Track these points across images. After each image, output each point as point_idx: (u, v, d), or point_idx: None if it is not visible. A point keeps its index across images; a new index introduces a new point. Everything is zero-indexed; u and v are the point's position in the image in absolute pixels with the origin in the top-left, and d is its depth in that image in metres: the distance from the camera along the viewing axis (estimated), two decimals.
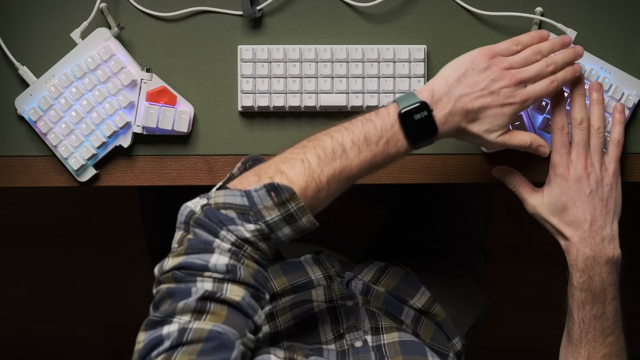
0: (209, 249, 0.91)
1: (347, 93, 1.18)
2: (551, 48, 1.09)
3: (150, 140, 1.20)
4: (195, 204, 0.94)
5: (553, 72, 1.08)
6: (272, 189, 0.93)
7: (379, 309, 1.23)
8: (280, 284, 1.27)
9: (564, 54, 1.09)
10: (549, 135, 1.18)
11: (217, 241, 0.91)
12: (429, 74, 1.19)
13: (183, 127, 1.17)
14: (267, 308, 1.24)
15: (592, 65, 1.18)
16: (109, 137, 1.17)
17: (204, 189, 1.29)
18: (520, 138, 1.09)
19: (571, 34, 1.17)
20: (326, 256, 1.33)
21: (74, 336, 2.13)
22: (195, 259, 0.90)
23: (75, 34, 1.16)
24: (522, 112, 1.17)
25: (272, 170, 0.96)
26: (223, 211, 0.92)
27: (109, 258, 2.12)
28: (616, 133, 1.14)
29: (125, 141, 1.18)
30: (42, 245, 2.13)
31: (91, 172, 1.19)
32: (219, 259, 0.90)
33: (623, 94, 1.18)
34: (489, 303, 1.44)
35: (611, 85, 1.17)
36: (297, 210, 0.94)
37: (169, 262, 0.91)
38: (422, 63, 1.17)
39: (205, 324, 0.86)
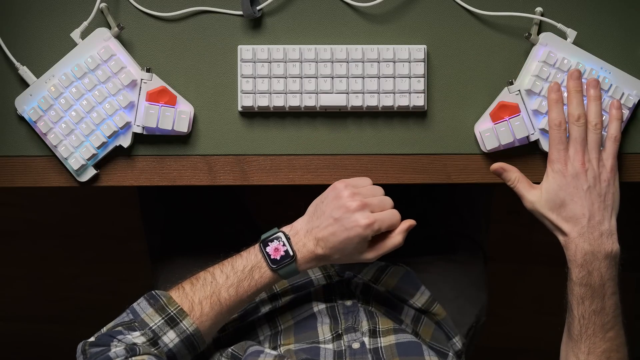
0: (105, 350, 1.03)
1: (347, 93, 1.18)
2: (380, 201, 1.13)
3: (150, 140, 1.20)
4: (87, 339, 1.06)
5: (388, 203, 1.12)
6: (151, 297, 1.08)
7: (379, 308, 1.23)
8: (280, 284, 1.27)
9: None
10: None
11: (111, 349, 1.03)
12: (429, 74, 1.19)
13: (183, 127, 1.17)
14: (267, 308, 1.24)
15: (592, 65, 1.18)
16: (109, 137, 1.17)
17: (204, 189, 1.30)
18: (391, 243, 1.12)
19: (571, 34, 1.17)
20: None
21: (74, 336, 2.12)
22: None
23: (75, 34, 1.16)
24: (522, 113, 1.17)
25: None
26: (113, 330, 1.06)
27: (109, 258, 2.12)
28: (613, 129, 1.15)
29: (125, 141, 1.18)
30: (42, 245, 2.12)
31: (91, 172, 1.19)
32: (117, 351, 1.02)
33: (623, 94, 1.18)
34: (489, 303, 1.44)
35: (611, 85, 1.17)
36: (177, 313, 1.06)
37: None
38: (422, 63, 1.17)
39: None
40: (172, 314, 1.06)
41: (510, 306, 2.10)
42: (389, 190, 1.15)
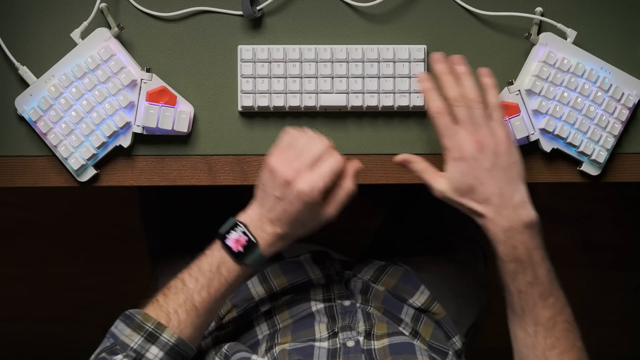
0: None
1: (347, 93, 1.18)
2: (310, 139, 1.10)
3: (150, 140, 1.20)
4: None
5: (329, 147, 1.09)
6: (126, 317, 1.07)
7: (378, 308, 1.23)
8: (280, 283, 1.27)
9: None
10: (549, 135, 1.18)
11: None
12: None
13: (183, 127, 1.17)
14: (266, 307, 1.25)
15: (592, 65, 1.18)
16: (109, 137, 1.17)
17: (204, 189, 1.30)
18: (343, 193, 1.10)
19: (571, 34, 1.17)
20: (325, 255, 1.33)
21: (74, 336, 2.13)
22: None
23: (75, 34, 1.16)
24: (522, 113, 1.17)
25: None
26: (98, 358, 1.04)
27: (109, 258, 2.12)
28: (492, 96, 1.12)
29: (125, 141, 1.18)
30: (42, 245, 2.12)
31: (91, 172, 1.19)
32: None
33: (623, 94, 1.18)
34: (489, 303, 1.44)
35: (611, 85, 1.17)
36: (155, 328, 1.05)
37: None
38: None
39: None
40: (150, 329, 1.05)
41: None
42: (389, 189, 1.15)
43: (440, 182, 1.11)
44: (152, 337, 1.05)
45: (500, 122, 1.10)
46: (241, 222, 1.09)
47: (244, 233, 1.09)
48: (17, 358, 2.16)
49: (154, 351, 1.04)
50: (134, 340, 1.04)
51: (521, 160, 1.11)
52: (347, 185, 1.10)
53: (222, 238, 1.09)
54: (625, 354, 2.05)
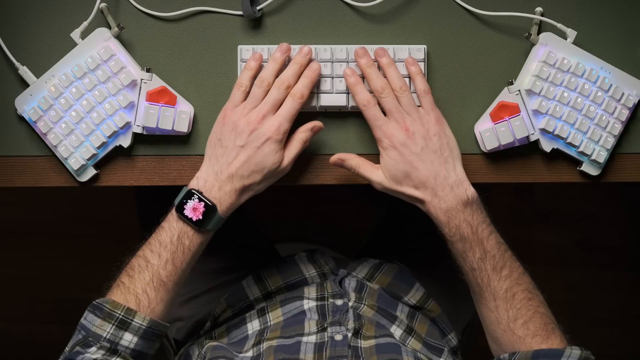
0: None
1: (347, 93, 1.18)
2: (274, 68, 1.13)
3: (150, 140, 1.20)
4: None
5: (290, 87, 1.12)
6: (94, 307, 1.07)
7: (372, 306, 1.23)
8: (275, 282, 1.28)
9: (292, 66, 1.13)
10: (549, 135, 1.18)
11: None
12: (429, 74, 1.19)
13: (183, 127, 1.17)
14: (260, 305, 1.25)
15: (592, 65, 1.18)
16: (109, 137, 1.17)
17: None
18: (293, 149, 1.13)
19: (571, 34, 1.17)
20: (320, 254, 1.33)
21: None
22: None
23: (75, 34, 1.16)
24: (522, 113, 1.17)
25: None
26: (72, 352, 1.04)
27: (109, 258, 2.11)
28: (420, 84, 1.13)
29: (125, 141, 1.18)
30: (42, 245, 2.12)
31: (91, 172, 1.19)
32: None
33: (623, 94, 1.18)
34: None
35: (611, 85, 1.17)
36: (125, 315, 1.05)
37: None
38: (422, 63, 1.17)
39: None
40: (120, 316, 1.05)
41: None
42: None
43: (377, 174, 1.13)
44: (123, 324, 1.05)
45: (429, 108, 1.12)
46: (195, 190, 1.10)
47: (200, 199, 1.09)
48: (17, 358, 2.16)
49: (127, 337, 1.05)
50: (106, 329, 1.05)
51: (454, 140, 1.12)
52: (301, 137, 1.13)
53: (180, 209, 1.09)
54: (625, 354, 2.05)
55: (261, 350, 1.11)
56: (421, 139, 1.10)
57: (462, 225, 1.09)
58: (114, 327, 1.05)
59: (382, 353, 1.10)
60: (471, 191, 1.10)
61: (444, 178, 1.10)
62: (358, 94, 1.13)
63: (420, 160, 1.10)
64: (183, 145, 1.20)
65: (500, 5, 1.18)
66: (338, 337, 1.12)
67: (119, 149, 1.19)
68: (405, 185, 1.11)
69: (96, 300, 1.07)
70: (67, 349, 1.06)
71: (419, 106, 1.13)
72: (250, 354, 1.11)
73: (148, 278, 1.08)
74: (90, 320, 1.06)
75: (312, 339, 1.13)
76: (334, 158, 1.16)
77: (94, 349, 1.04)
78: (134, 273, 1.09)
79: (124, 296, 1.07)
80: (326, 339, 1.12)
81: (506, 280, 1.10)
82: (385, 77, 1.13)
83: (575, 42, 1.17)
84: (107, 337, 1.05)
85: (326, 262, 1.31)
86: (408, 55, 1.15)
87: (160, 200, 1.45)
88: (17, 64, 1.17)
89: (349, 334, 1.13)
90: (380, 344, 1.13)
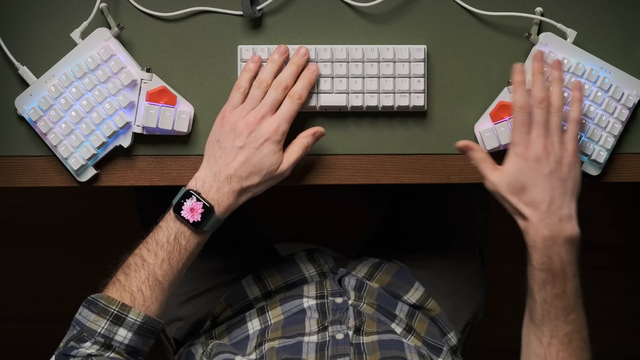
0: None
1: (347, 93, 1.18)
2: (272, 70, 1.13)
3: (150, 140, 1.20)
4: None
5: (288, 88, 1.12)
6: (89, 303, 1.07)
7: (372, 304, 1.23)
8: (274, 281, 1.28)
9: (289, 67, 1.14)
10: None
11: None
12: (429, 74, 1.19)
13: (183, 127, 1.17)
14: (260, 304, 1.25)
15: (592, 65, 1.18)
16: (109, 137, 1.17)
17: None
18: (294, 153, 1.13)
19: (571, 34, 1.17)
20: (320, 253, 1.34)
21: None
22: None
23: (75, 34, 1.16)
24: None
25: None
26: (66, 347, 1.04)
27: (109, 258, 2.12)
28: (575, 111, 1.13)
29: (125, 141, 1.18)
30: (42, 245, 2.12)
31: (91, 172, 1.19)
32: None
33: (623, 94, 1.18)
34: (489, 303, 1.44)
35: (611, 85, 1.18)
36: (120, 310, 1.06)
37: None
38: (422, 63, 1.17)
39: None
40: (115, 312, 1.06)
41: (510, 306, 2.10)
42: (386, 188, 1.15)
43: (495, 175, 1.12)
44: (118, 320, 1.05)
45: (573, 137, 1.12)
46: (194, 191, 1.10)
47: (198, 200, 1.09)
48: (17, 358, 2.16)
49: (122, 333, 1.05)
50: (101, 325, 1.05)
51: (580, 179, 1.12)
52: (303, 142, 1.14)
53: (177, 209, 1.10)
54: (625, 354, 2.06)
55: (263, 351, 1.11)
56: (554, 162, 1.10)
57: (555, 258, 1.09)
58: (108, 322, 1.05)
59: (385, 349, 1.10)
60: (577, 230, 1.10)
61: (558, 207, 1.09)
62: (520, 93, 1.12)
63: (544, 181, 1.09)
64: (183, 145, 1.20)
65: (500, 5, 1.18)
66: (339, 336, 1.12)
67: (119, 149, 1.19)
68: (517, 197, 1.10)
69: (91, 296, 1.08)
70: (61, 344, 1.06)
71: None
72: (253, 356, 1.12)
73: (144, 276, 1.08)
74: (85, 315, 1.06)
75: (314, 338, 1.13)
76: (461, 143, 1.14)
77: (88, 344, 1.04)
78: (130, 271, 1.09)
79: (119, 293, 1.08)
80: (327, 339, 1.12)
81: (571, 324, 1.10)
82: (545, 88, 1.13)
83: (575, 42, 1.17)
84: (102, 332, 1.05)
85: (326, 261, 1.32)
86: (558, 66, 1.14)
87: (160, 200, 1.45)
88: (17, 64, 1.17)
89: (350, 332, 1.13)
90: (383, 340, 1.13)
